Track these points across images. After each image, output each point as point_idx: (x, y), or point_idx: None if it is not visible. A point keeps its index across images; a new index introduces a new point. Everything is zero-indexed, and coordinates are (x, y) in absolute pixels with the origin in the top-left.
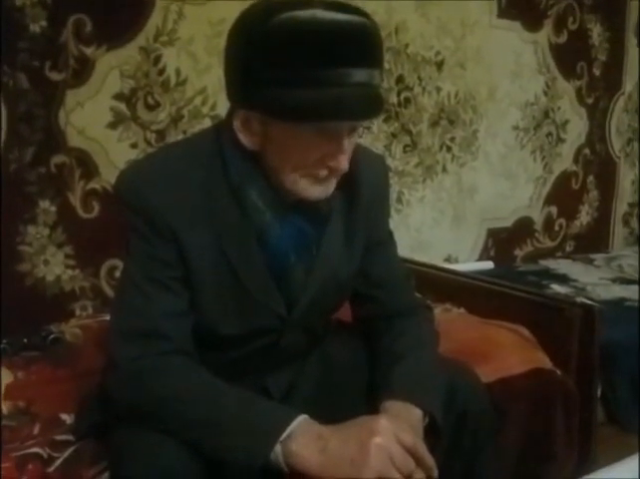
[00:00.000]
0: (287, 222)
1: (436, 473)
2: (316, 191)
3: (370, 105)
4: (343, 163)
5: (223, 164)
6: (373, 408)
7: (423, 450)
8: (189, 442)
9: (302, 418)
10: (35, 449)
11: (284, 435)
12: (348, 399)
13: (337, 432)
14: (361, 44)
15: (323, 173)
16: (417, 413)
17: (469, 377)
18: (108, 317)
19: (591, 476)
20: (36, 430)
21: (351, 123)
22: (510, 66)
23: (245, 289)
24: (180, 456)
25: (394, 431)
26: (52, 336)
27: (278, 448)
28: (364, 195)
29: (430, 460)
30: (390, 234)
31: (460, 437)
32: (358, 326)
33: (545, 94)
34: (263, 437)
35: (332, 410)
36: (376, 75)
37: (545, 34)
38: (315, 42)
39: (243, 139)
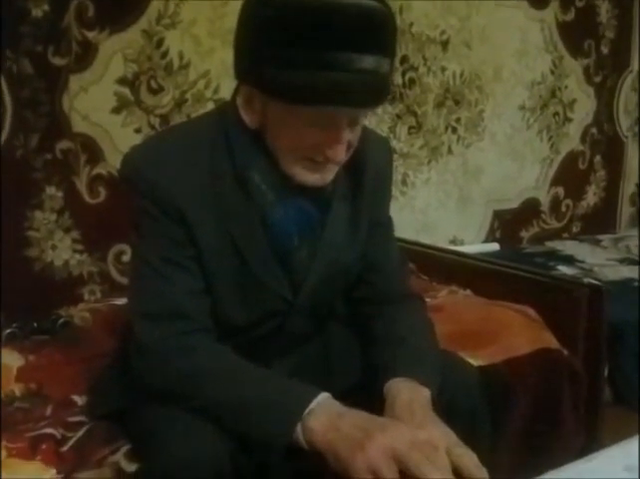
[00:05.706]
0: (291, 203)
1: (485, 474)
2: (311, 177)
3: (370, 94)
4: (339, 153)
5: (227, 145)
6: (372, 392)
7: (467, 459)
8: (217, 422)
9: (324, 396)
10: (48, 429)
11: (305, 413)
12: (346, 383)
13: (355, 415)
14: (368, 29)
15: (318, 158)
16: (425, 391)
17: (458, 372)
18: (116, 301)
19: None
20: (48, 411)
21: (350, 112)
22: (517, 45)
23: (251, 272)
24: (211, 437)
25: (410, 439)
26: (61, 320)
27: (299, 426)
28: (369, 179)
29: (477, 469)
30: (389, 219)
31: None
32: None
33: (552, 73)
34: (285, 416)
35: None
36: (383, 63)
37: (552, 11)
38: (318, 24)
39: (245, 116)
